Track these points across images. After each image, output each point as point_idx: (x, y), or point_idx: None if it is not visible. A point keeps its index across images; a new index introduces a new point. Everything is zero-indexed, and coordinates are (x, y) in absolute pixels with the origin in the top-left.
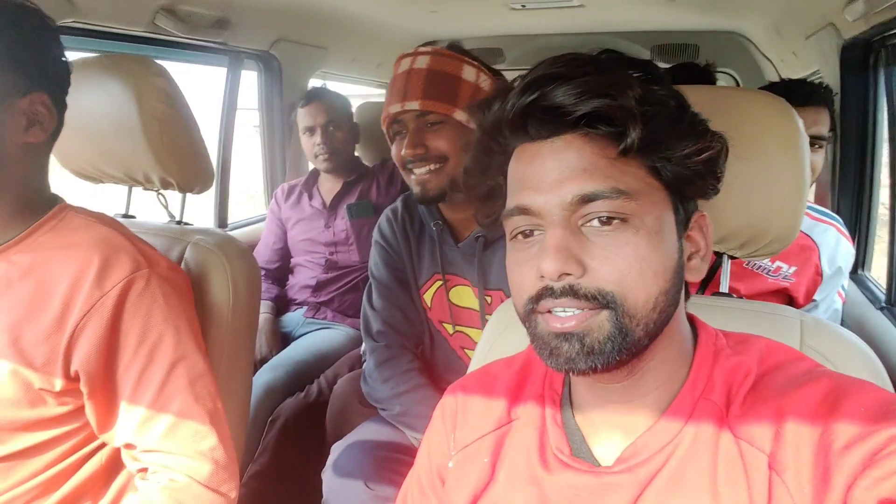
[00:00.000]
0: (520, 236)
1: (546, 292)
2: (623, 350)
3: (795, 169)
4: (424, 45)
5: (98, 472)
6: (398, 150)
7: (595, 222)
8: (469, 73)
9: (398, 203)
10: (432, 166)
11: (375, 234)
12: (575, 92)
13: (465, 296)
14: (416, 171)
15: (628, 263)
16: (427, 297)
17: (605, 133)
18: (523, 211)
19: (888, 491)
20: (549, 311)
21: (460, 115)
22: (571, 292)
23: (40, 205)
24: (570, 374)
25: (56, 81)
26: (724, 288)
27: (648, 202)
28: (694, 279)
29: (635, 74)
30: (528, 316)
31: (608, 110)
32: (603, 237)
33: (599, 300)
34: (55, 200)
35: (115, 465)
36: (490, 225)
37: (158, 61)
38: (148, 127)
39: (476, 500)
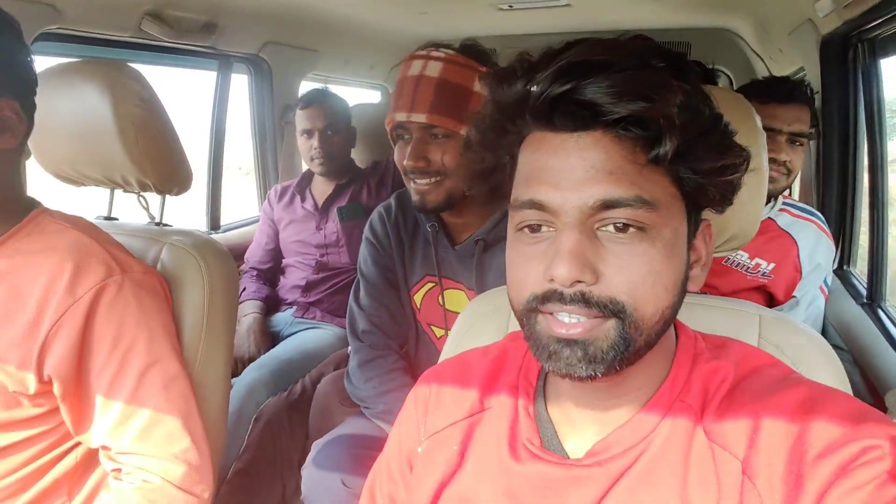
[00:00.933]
0: (526, 229)
1: (554, 295)
2: (624, 360)
3: (753, 165)
4: (431, 45)
5: (73, 469)
6: (401, 157)
7: (611, 228)
8: (482, 85)
9: (392, 200)
10: (433, 179)
11: (366, 231)
12: (614, 91)
13: (459, 300)
14: (418, 181)
15: (642, 276)
16: (417, 298)
17: (637, 136)
18: (537, 206)
19: (860, 501)
20: (552, 313)
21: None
22: (582, 300)
23: (16, 210)
24: (566, 378)
25: (25, 87)
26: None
27: (668, 214)
28: (693, 289)
29: (673, 77)
30: (528, 313)
31: (647, 115)
32: (618, 245)
33: (610, 309)
34: (32, 205)
35: (90, 461)
36: (488, 200)
37: (147, 67)
38: (123, 130)
39: (443, 486)
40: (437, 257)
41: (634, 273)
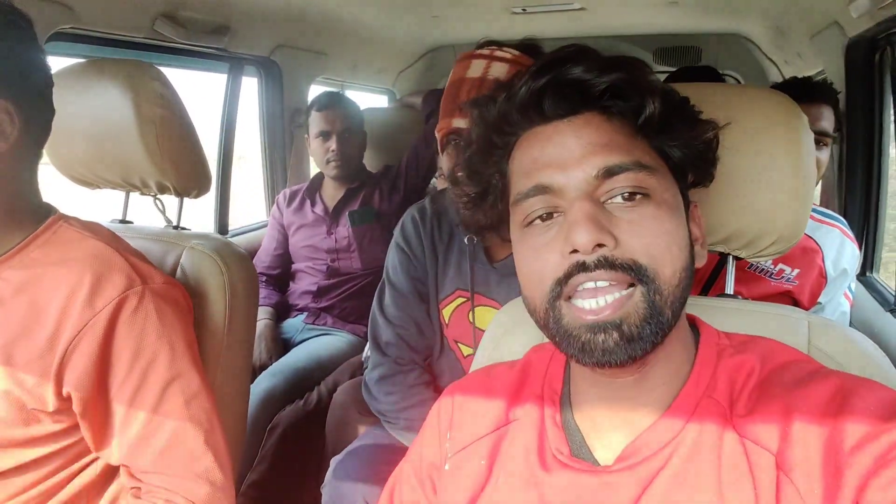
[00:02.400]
0: (537, 221)
1: (577, 268)
2: (658, 333)
3: (800, 167)
4: (490, 43)
5: (92, 482)
6: (453, 164)
7: (618, 198)
8: None
9: (426, 204)
10: None
11: (398, 236)
12: (594, 68)
13: (490, 319)
14: None
15: (656, 237)
16: (446, 312)
17: (623, 110)
18: (542, 190)
19: None
20: (574, 299)
21: None
22: (607, 264)
23: (31, 217)
24: (603, 368)
25: (23, 86)
26: (729, 289)
27: (664, 179)
28: (699, 264)
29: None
30: (552, 305)
31: (628, 84)
32: (628, 212)
33: (635, 271)
34: (49, 211)
35: (110, 475)
36: (478, 231)
37: (158, 67)
38: (144, 131)
39: (473, 502)
40: (473, 273)
41: (648, 235)
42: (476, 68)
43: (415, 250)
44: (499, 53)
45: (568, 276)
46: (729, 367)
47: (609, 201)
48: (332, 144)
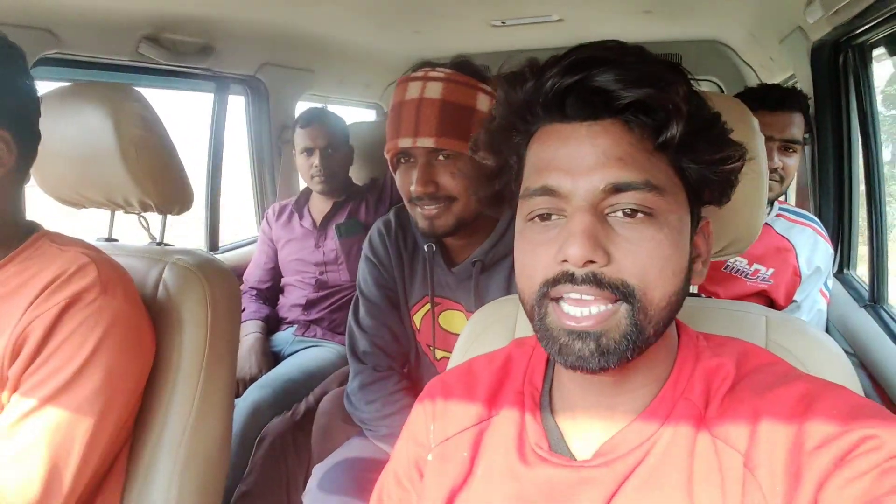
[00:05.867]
0: (537, 219)
1: (565, 277)
2: (636, 349)
3: (752, 168)
4: (423, 65)
5: None
6: (405, 183)
7: (620, 213)
8: (483, 102)
9: (391, 216)
10: (442, 203)
11: (366, 249)
12: (623, 78)
13: (455, 321)
14: (426, 207)
15: (651, 260)
16: (417, 318)
17: (645, 124)
18: (548, 192)
19: (859, 491)
20: (560, 302)
21: None
22: (594, 280)
23: (14, 236)
24: (576, 371)
25: (19, 115)
26: (693, 289)
27: (674, 201)
28: (696, 282)
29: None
30: (540, 301)
31: (655, 101)
32: (628, 229)
33: (621, 291)
34: (32, 229)
35: None
36: (491, 203)
37: (144, 89)
38: (125, 152)
39: (455, 494)
40: (432, 278)
41: (644, 256)
42: (413, 90)
43: (382, 261)
44: (432, 74)
45: (556, 280)
46: (706, 370)
47: (612, 214)
48: (316, 160)
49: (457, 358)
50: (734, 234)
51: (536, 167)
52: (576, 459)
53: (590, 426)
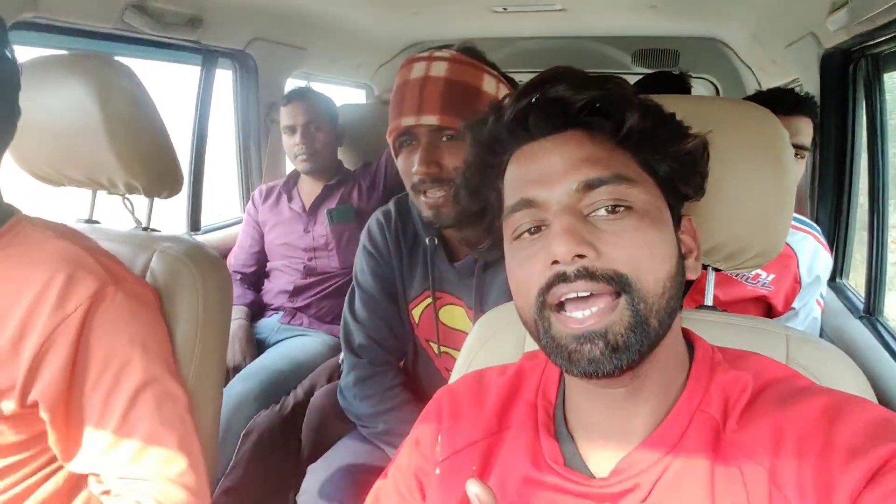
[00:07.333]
0: (525, 234)
1: (558, 279)
2: (644, 342)
3: (781, 181)
4: (438, 48)
5: (58, 491)
6: (408, 166)
7: (601, 211)
8: (489, 83)
9: (391, 207)
10: (448, 192)
11: (364, 239)
12: (575, 85)
13: (456, 316)
14: (430, 193)
15: (637, 247)
16: (416, 312)
17: (604, 126)
18: (528, 204)
19: None
20: (562, 310)
21: None
22: (587, 274)
23: None
24: (591, 379)
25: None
26: (708, 301)
27: (648, 192)
28: (692, 277)
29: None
30: (540, 314)
31: (606, 99)
32: (610, 224)
33: (616, 281)
34: (10, 212)
35: (74, 486)
36: (486, 250)
37: (128, 59)
38: (112, 129)
39: None
40: (432, 272)
41: (630, 245)
42: (418, 70)
43: (381, 252)
44: (437, 54)
45: (549, 285)
46: (723, 383)
47: (593, 214)
48: (297, 138)
49: (462, 363)
50: (759, 247)
51: (513, 187)
52: (592, 476)
53: (605, 441)
